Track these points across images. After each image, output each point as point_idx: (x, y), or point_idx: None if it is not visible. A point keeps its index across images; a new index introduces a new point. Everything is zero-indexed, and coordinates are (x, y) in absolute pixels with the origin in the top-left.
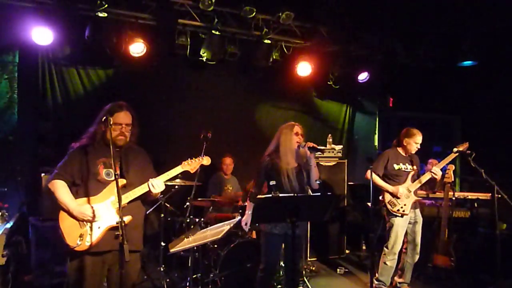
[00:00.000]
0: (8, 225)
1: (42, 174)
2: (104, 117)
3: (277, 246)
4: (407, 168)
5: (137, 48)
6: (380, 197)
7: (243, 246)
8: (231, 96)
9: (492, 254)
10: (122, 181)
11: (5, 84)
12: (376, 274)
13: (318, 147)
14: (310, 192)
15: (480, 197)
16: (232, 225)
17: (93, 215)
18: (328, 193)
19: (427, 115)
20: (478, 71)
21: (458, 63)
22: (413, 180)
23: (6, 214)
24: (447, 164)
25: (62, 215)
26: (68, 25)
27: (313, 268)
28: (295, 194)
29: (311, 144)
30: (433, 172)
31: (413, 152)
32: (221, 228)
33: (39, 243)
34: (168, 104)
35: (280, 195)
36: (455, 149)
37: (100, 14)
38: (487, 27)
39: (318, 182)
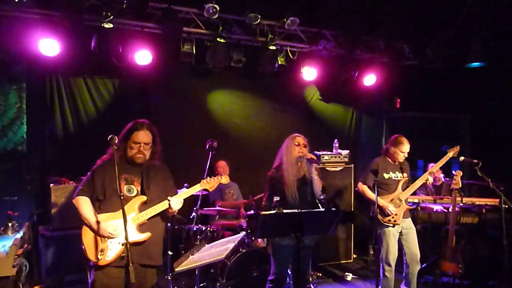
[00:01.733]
0: (19, 235)
1: (51, 185)
2: (110, 136)
3: (286, 257)
4: (397, 177)
5: (143, 57)
6: (371, 207)
7: (250, 255)
8: (237, 102)
9: (501, 260)
10: (143, 198)
11: (14, 95)
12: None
13: (316, 159)
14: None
15: (488, 203)
16: (236, 242)
17: (113, 232)
18: (333, 209)
19: (435, 115)
20: (487, 71)
21: (467, 64)
22: (404, 188)
23: (16, 224)
24: (455, 171)
25: (85, 230)
26: (74, 36)
27: (320, 274)
28: (299, 209)
29: (309, 156)
30: (425, 179)
31: (401, 161)
32: (225, 246)
33: (49, 253)
34: (175, 111)
35: (284, 211)
36: (449, 153)
37: (106, 25)
38: (496, 28)
39: (322, 197)
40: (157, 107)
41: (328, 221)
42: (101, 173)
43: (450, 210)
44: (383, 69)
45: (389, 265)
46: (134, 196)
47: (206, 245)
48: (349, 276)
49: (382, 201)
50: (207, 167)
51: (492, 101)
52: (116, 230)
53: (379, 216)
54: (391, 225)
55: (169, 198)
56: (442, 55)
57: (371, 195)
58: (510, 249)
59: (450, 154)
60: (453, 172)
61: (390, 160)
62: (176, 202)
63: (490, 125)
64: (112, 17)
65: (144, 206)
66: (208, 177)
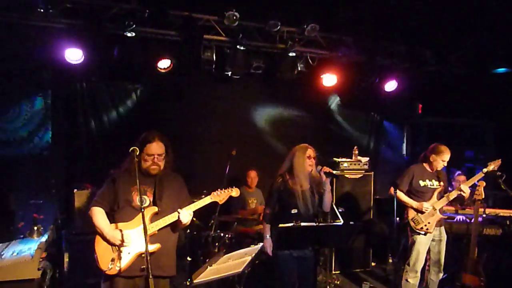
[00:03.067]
0: (43, 239)
1: (75, 190)
2: (132, 148)
3: (291, 267)
4: (433, 185)
5: (164, 64)
6: (405, 213)
7: (267, 263)
8: (257, 108)
9: None
10: (154, 209)
11: (40, 101)
12: None
13: (334, 173)
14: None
15: None
16: (253, 255)
17: (122, 240)
18: (351, 222)
19: (458, 120)
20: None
21: (492, 70)
22: (439, 197)
23: (42, 228)
24: (478, 181)
25: (98, 240)
26: (98, 44)
27: (338, 283)
28: (308, 220)
29: (327, 170)
30: (461, 190)
31: (440, 169)
32: (243, 259)
33: (72, 256)
34: (195, 118)
35: (302, 224)
36: (484, 170)
37: (128, 34)
38: None
39: (340, 210)
40: (178, 114)
41: (346, 234)
42: (115, 185)
43: (472, 221)
44: (404, 75)
45: (416, 272)
46: (147, 207)
47: (223, 255)
48: (367, 286)
49: (415, 202)
50: (226, 175)
51: None
52: (128, 239)
53: (412, 223)
54: (423, 232)
55: (178, 210)
56: (465, 61)
57: (405, 198)
58: None
59: (491, 167)
60: (476, 182)
61: (427, 167)
62: (185, 214)
63: None
64: (134, 26)
65: (155, 217)
66: (218, 190)
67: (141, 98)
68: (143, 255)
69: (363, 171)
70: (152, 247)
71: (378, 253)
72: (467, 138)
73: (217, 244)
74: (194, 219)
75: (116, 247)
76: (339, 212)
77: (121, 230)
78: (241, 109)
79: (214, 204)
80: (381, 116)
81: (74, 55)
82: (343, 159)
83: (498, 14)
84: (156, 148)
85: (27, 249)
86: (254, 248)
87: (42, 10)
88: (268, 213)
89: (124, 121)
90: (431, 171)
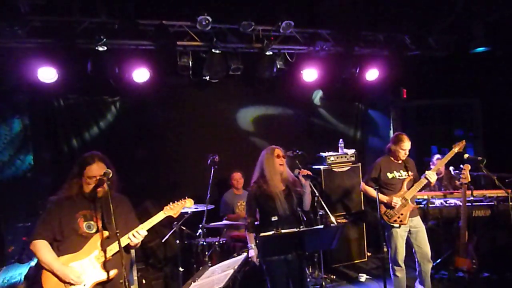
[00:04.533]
0: (33, 263)
1: None
2: (105, 172)
3: (281, 272)
4: (401, 175)
5: (141, 74)
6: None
7: (259, 268)
8: (239, 110)
9: None
10: (105, 234)
11: (18, 124)
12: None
13: (312, 175)
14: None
15: (499, 194)
16: (236, 267)
17: (78, 278)
18: (332, 224)
19: (444, 101)
20: (492, 55)
21: (471, 50)
22: (409, 187)
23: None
24: (463, 164)
25: (46, 275)
26: (71, 60)
27: (334, 277)
28: (288, 221)
29: (305, 172)
30: (427, 177)
31: (403, 158)
32: (226, 272)
33: None
34: (177, 125)
35: (283, 231)
36: (454, 149)
37: (100, 48)
38: (498, 13)
39: (320, 213)
40: (159, 123)
41: (329, 236)
42: (57, 212)
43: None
44: (385, 62)
45: (399, 265)
46: (95, 233)
47: (208, 268)
48: (363, 277)
49: (385, 197)
50: (210, 182)
51: (501, 83)
52: (80, 272)
53: (385, 217)
54: (397, 225)
55: (132, 231)
56: (445, 42)
57: (373, 193)
58: None
59: (455, 149)
60: (461, 166)
61: (393, 159)
62: (141, 233)
63: (501, 106)
64: (105, 39)
65: (107, 241)
66: (171, 203)
67: (121, 111)
68: (99, 284)
69: (350, 163)
70: (111, 273)
71: (373, 243)
72: (455, 117)
73: (207, 253)
74: (184, 228)
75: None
76: (320, 214)
77: (72, 263)
78: (223, 113)
79: (201, 212)
80: (365, 105)
81: (47, 74)
82: (330, 153)
83: None
84: (97, 169)
85: (18, 275)
86: (238, 259)
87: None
88: (249, 222)
89: (106, 135)
90: (397, 162)
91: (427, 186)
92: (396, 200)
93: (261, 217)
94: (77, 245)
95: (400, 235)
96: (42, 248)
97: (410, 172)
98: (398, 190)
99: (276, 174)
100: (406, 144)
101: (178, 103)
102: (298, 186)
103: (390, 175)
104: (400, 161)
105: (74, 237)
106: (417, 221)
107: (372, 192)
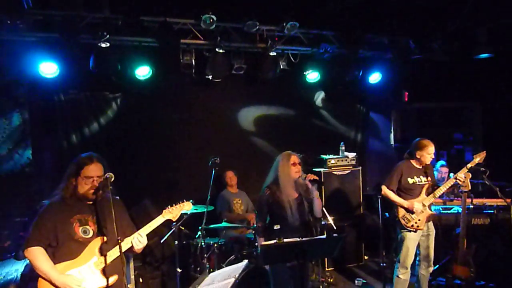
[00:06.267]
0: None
1: None
2: (106, 175)
3: (286, 278)
4: (421, 181)
5: (143, 71)
6: (395, 211)
7: (256, 271)
8: (241, 110)
9: None
10: (102, 239)
11: (17, 118)
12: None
13: (319, 180)
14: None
15: (499, 203)
16: (237, 276)
17: (79, 286)
18: (334, 235)
19: (444, 104)
20: (494, 60)
21: (475, 56)
22: (428, 193)
23: None
24: (465, 173)
25: (42, 284)
26: (73, 56)
27: (331, 280)
28: (299, 229)
29: (311, 177)
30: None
31: (428, 163)
32: (227, 281)
33: None
34: (178, 124)
35: (285, 240)
36: (468, 165)
37: (103, 45)
38: (502, 19)
39: (324, 223)
40: (160, 120)
41: (331, 246)
42: (51, 217)
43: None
44: (388, 65)
45: (406, 268)
46: (91, 238)
47: (208, 275)
48: (360, 282)
49: (406, 202)
50: (211, 184)
51: (501, 88)
52: (81, 280)
53: (402, 221)
54: (414, 230)
55: (135, 235)
56: (448, 47)
57: (395, 198)
58: None
59: (477, 160)
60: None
61: (415, 164)
62: (142, 239)
63: (501, 111)
64: (108, 36)
65: (105, 246)
66: (169, 206)
67: (122, 107)
68: None
69: (351, 167)
70: (111, 280)
71: (370, 247)
72: (455, 121)
73: (205, 255)
74: (182, 228)
75: None
76: (322, 224)
77: (70, 271)
78: (225, 112)
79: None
80: (367, 107)
81: (48, 68)
82: (330, 156)
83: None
84: (95, 169)
85: (14, 271)
86: (238, 267)
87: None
88: (260, 227)
89: (106, 131)
90: (419, 167)
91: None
92: (418, 206)
93: (272, 222)
94: (74, 251)
95: (413, 239)
96: (39, 256)
97: (429, 178)
98: (417, 195)
99: (291, 182)
100: (432, 148)
101: (179, 101)
102: (309, 193)
103: (411, 180)
104: (421, 167)
105: (70, 243)
106: (430, 225)
107: (393, 196)
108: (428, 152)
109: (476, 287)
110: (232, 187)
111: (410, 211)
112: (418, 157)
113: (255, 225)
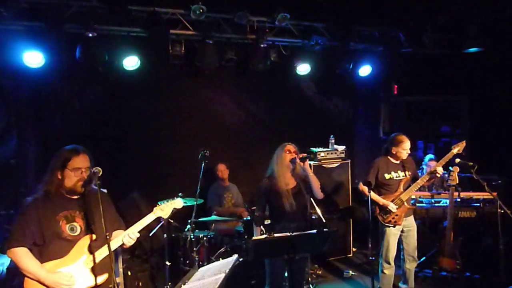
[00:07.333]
0: None
1: None
2: (94, 170)
3: (281, 268)
4: (398, 176)
5: (131, 61)
6: (374, 207)
7: (248, 264)
8: (231, 101)
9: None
10: (91, 236)
11: (2, 109)
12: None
13: (308, 155)
14: (314, 203)
15: (485, 197)
16: (227, 271)
17: (71, 283)
18: (325, 229)
19: (432, 97)
20: (484, 54)
21: (464, 50)
22: (405, 188)
23: None
24: (452, 167)
25: (29, 283)
26: (59, 45)
27: (319, 272)
28: (295, 219)
29: (301, 155)
30: (434, 172)
31: (405, 158)
32: (217, 277)
33: None
34: (167, 116)
35: (275, 235)
36: (445, 157)
37: (90, 34)
38: (492, 14)
39: (314, 217)
40: (148, 112)
41: (321, 241)
42: (35, 215)
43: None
44: (379, 58)
45: (388, 263)
46: (79, 235)
47: (197, 269)
48: (349, 273)
49: (382, 200)
50: (200, 177)
51: (490, 82)
52: (71, 279)
53: (380, 218)
54: (392, 225)
55: (127, 232)
56: (438, 41)
57: (372, 196)
58: (506, 244)
59: (455, 150)
60: (450, 168)
61: (392, 159)
62: (133, 236)
63: (489, 105)
64: (95, 25)
65: (94, 244)
66: (159, 203)
67: (109, 99)
68: None
69: (340, 160)
70: (101, 279)
71: (359, 238)
72: (443, 114)
73: (195, 248)
74: (172, 220)
75: None
76: (312, 219)
77: (58, 269)
78: (215, 104)
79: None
80: (356, 100)
81: (33, 58)
82: (320, 149)
83: None
84: (83, 160)
85: (0, 265)
86: (228, 262)
87: None
88: (258, 216)
89: (93, 123)
90: (396, 162)
91: (432, 179)
92: (392, 206)
93: (270, 211)
94: (62, 250)
95: (393, 233)
96: (23, 257)
97: (407, 172)
98: (395, 191)
99: (286, 170)
100: (407, 144)
101: (169, 93)
102: (308, 179)
103: (387, 176)
104: (398, 162)
105: (57, 242)
106: (410, 220)
107: (369, 193)
108: (404, 148)
109: (462, 278)
110: (223, 181)
111: (385, 208)
112: (394, 152)
113: (245, 219)
